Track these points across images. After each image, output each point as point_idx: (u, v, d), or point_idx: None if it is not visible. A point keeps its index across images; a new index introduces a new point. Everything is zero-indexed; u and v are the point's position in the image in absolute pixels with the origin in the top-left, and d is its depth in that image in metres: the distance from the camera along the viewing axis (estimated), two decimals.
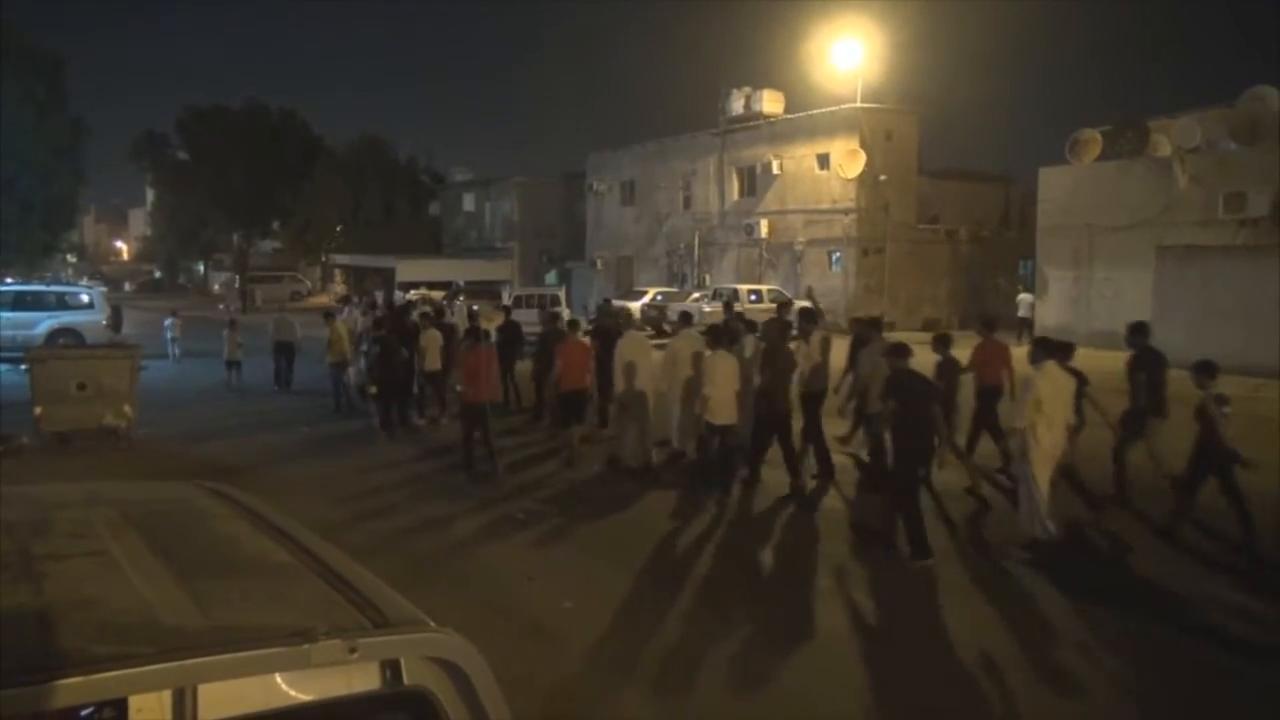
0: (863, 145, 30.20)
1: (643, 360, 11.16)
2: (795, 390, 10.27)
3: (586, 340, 12.58)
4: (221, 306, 28.40)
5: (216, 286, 58.91)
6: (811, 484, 10.07)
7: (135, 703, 1.61)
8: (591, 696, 5.59)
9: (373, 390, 13.68)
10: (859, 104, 30.82)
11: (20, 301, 21.94)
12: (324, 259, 54.68)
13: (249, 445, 12.92)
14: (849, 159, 30.23)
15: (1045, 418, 7.83)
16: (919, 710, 5.44)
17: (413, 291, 33.01)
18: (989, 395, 10.49)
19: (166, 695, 1.65)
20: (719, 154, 35.63)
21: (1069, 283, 25.89)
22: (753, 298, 27.83)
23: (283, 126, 58.55)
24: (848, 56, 31.86)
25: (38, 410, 11.87)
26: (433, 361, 13.80)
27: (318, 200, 52.36)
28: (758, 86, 34.62)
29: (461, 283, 37.08)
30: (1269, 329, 18.81)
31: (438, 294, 31.98)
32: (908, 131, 31.61)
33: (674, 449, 11.20)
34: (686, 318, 12.10)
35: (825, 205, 31.55)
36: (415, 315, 16.86)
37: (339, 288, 46.86)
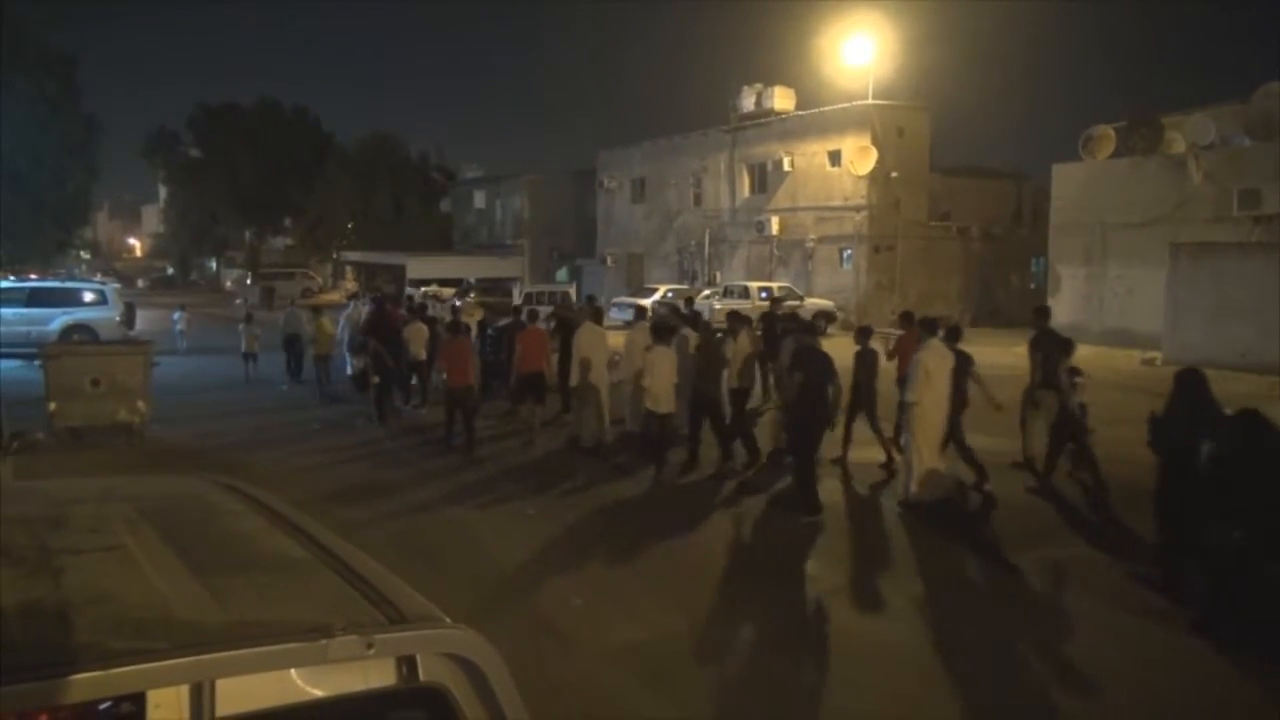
0: (874, 142, 30.10)
1: (598, 351, 12.16)
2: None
3: (543, 329, 13.73)
4: (239, 301, 29.11)
5: (229, 283, 59.16)
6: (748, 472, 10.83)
7: (153, 698, 1.61)
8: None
9: (375, 380, 14.30)
10: (870, 101, 30.72)
11: (35, 298, 22.07)
12: (335, 256, 54.87)
13: (260, 439, 13.08)
14: (860, 156, 30.14)
15: (931, 391, 8.88)
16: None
17: (424, 288, 33.08)
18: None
19: (184, 690, 1.65)
20: (730, 151, 35.58)
21: (1081, 280, 25.76)
22: (763, 295, 27.78)
23: (294, 124, 58.78)
24: (859, 53, 31.75)
25: (51, 406, 11.93)
26: (417, 352, 14.90)
27: (329, 197, 52.53)
28: (769, 83, 34.55)
29: (473, 280, 37.14)
30: None
31: (448, 291, 32.05)
32: (919, 128, 31.49)
33: (626, 430, 12.48)
34: (640, 312, 13.13)
35: (836, 202, 31.48)
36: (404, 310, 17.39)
37: (350, 284, 46.98)
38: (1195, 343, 20.07)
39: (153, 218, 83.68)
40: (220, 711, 1.67)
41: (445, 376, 12.55)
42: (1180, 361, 19.85)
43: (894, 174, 30.23)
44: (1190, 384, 7.25)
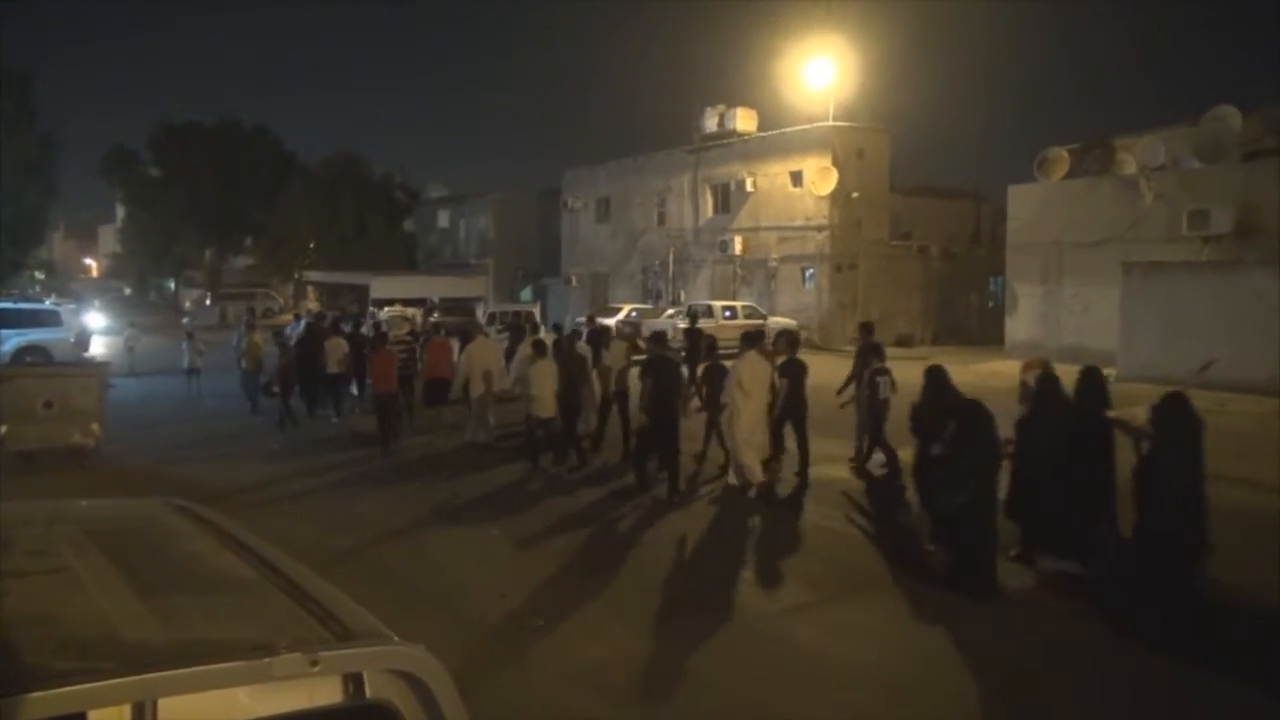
0: (835, 163, 30.47)
1: (489, 360, 13.85)
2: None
3: (446, 340, 15.47)
4: (185, 320, 29.56)
5: (187, 303, 58.39)
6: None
7: (95, 717, 1.61)
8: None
9: (275, 390, 15.94)
10: (831, 122, 31.12)
11: None
12: (297, 276, 54.34)
13: (214, 459, 13.01)
14: (821, 176, 30.50)
15: (745, 395, 10.21)
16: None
17: (387, 308, 32.86)
18: None
19: (126, 710, 1.65)
20: (693, 171, 35.83)
21: (1038, 298, 26.19)
22: (727, 314, 27.95)
23: (255, 143, 58.27)
24: (820, 75, 32.17)
25: (3, 429, 11.68)
26: (334, 365, 15.94)
27: (291, 217, 52.06)
28: (731, 104, 34.85)
29: (436, 299, 36.96)
30: (1233, 343, 19.12)
31: (413, 310, 31.85)
32: (879, 149, 31.94)
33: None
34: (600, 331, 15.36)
35: (799, 222, 31.79)
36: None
37: (312, 304, 46.56)
38: (1148, 360, 20.47)
39: (110, 237, 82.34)
40: None
41: (372, 384, 14.05)
42: (1135, 379, 20.35)
43: (855, 194, 30.61)
44: (936, 377, 8.58)
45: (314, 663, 1.70)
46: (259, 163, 56.12)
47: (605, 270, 40.00)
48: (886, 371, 10.71)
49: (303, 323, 20.08)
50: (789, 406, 10.99)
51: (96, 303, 39.47)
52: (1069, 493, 7.72)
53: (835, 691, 5.91)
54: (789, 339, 11.89)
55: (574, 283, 41.12)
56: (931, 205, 35.13)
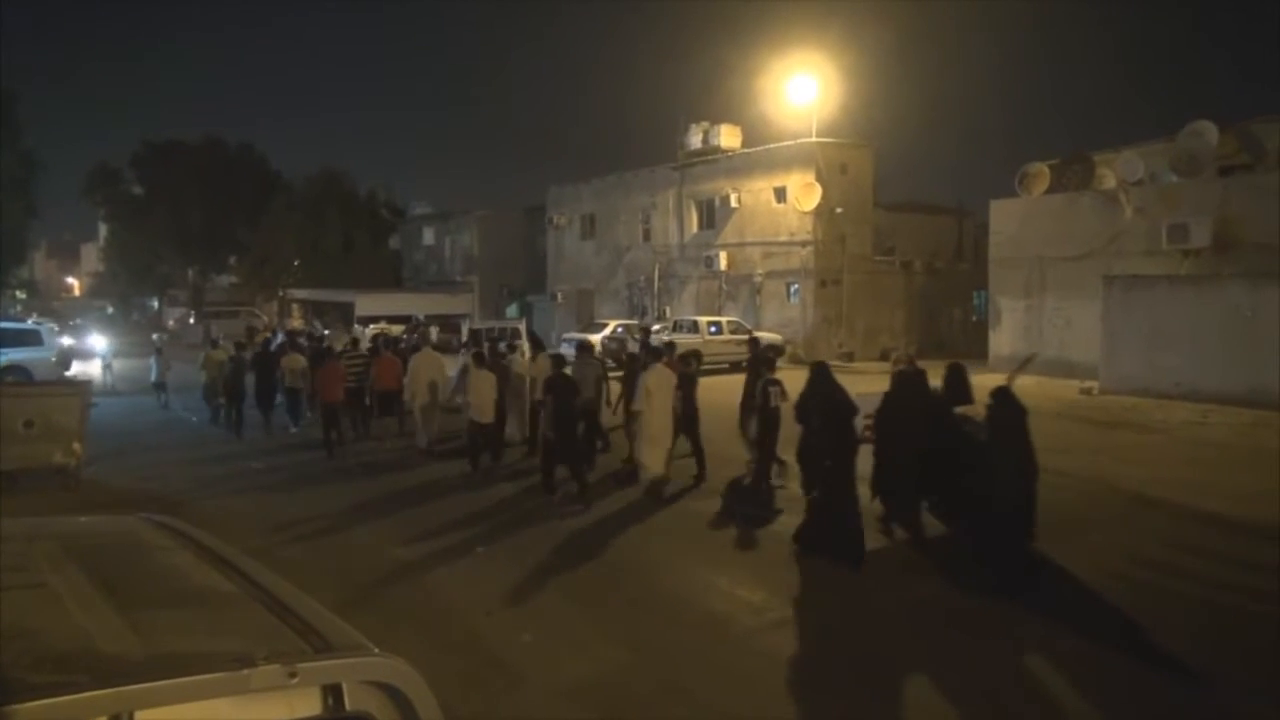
0: (819, 179, 30.66)
1: (433, 373, 14.86)
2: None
3: (394, 356, 16.37)
4: (155, 337, 30.72)
5: (171, 322, 58.06)
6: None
7: None
8: None
9: (221, 400, 17.32)
10: (814, 138, 31.33)
11: None
12: (281, 293, 54.14)
13: (196, 478, 12.97)
14: (805, 192, 30.67)
15: (651, 404, 11.29)
16: None
17: (372, 326, 32.78)
18: None
19: None
20: (678, 187, 35.97)
21: (1021, 312, 26.38)
22: (713, 329, 28.02)
23: (240, 161, 58.15)
24: (803, 92, 32.40)
25: None
26: (292, 380, 16.70)
27: (275, 234, 51.90)
28: (715, 121, 35.04)
29: (422, 316, 36.89)
30: (1213, 356, 19.32)
31: (397, 328, 31.78)
32: (863, 165, 32.16)
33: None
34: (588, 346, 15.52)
35: (783, 237, 31.94)
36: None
37: (296, 322, 46.37)
38: (1130, 372, 20.66)
39: (92, 256, 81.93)
40: None
41: (320, 395, 15.16)
42: (1117, 391, 20.52)
43: (839, 209, 30.79)
44: (819, 372, 9.46)
45: (292, 674, 1.70)
46: (243, 181, 55.99)
47: (591, 286, 40.05)
48: (777, 382, 11.46)
49: (279, 337, 20.92)
50: (684, 416, 12.04)
51: (91, 325, 40.14)
52: (922, 472, 9.02)
53: (810, 694, 5.92)
54: (761, 357, 12.61)
55: (560, 299, 41.14)
56: (915, 220, 35.36)
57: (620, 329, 29.68)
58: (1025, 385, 13.97)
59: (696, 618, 7.41)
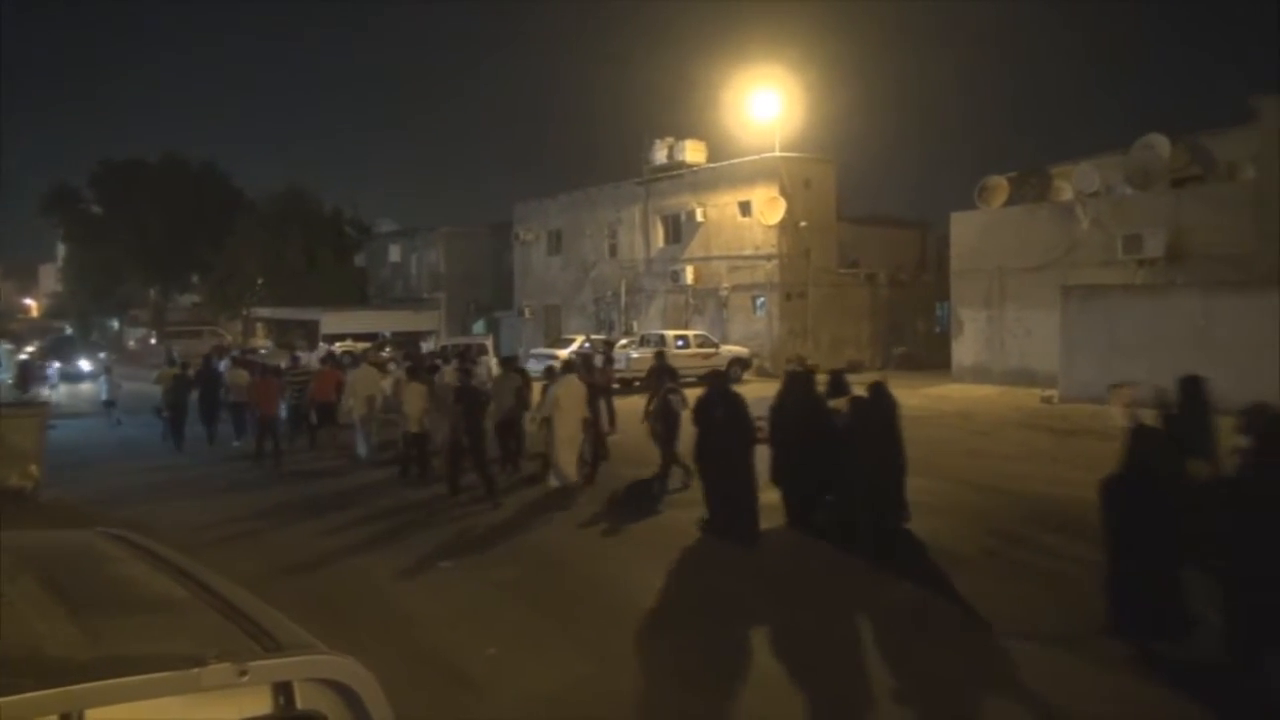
0: (782, 193, 30.93)
1: (370, 386, 15.69)
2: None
3: (334, 369, 17.76)
4: (101, 355, 31.60)
5: (132, 342, 57.24)
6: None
7: None
8: None
9: (165, 413, 18.31)
10: (778, 153, 31.63)
11: None
12: (245, 312, 53.59)
13: (156, 497, 13.03)
14: (769, 206, 30.93)
15: (562, 413, 12.14)
16: None
17: (338, 344, 32.56)
18: None
19: None
20: (644, 203, 36.13)
21: (983, 323, 26.73)
22: (679, 343, 28.12)
23: (201, 179, 57.57)
24: (766, 107, 32.71)
25: None
26: (236, 395, 17.44)
27: (239, 253, 51.38)
28: (680, 136, 35.25)
29: (388, 334, 36.66)
30: (1169, 363, 19.56)
31: (362, 345, 31.60)
32: (826, 179, 32.49)
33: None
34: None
35: (748, 251, 32.17)
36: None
37: (260, 341, 45.91)
38: (1089, 380, 20.96)
39: (51, 277, 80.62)
40: None
41: (257, 407, 15.98)
42: (1077, 399, 20.83)
43: (803, 223, 31.07)
44: (716, 383, 10.63)
45: (243, 672, 1.72)
46: (205, 199, 55.39)
47: (558, 302, 40.06)
48: (677, 390, 12.49)
49: (229, 357, 22.30)
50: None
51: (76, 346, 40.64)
52: (809, 463, 10.01)
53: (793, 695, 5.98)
54: (662, 368, 14.41)
55: (527, 315, 41.10)
56: (878, 233, 35.75)
57: (587, 344, 29.70)
58: (987, 395, 14.40)
59: (659, 625, 7.45)
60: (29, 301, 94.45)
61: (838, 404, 10.14)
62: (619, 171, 37.96)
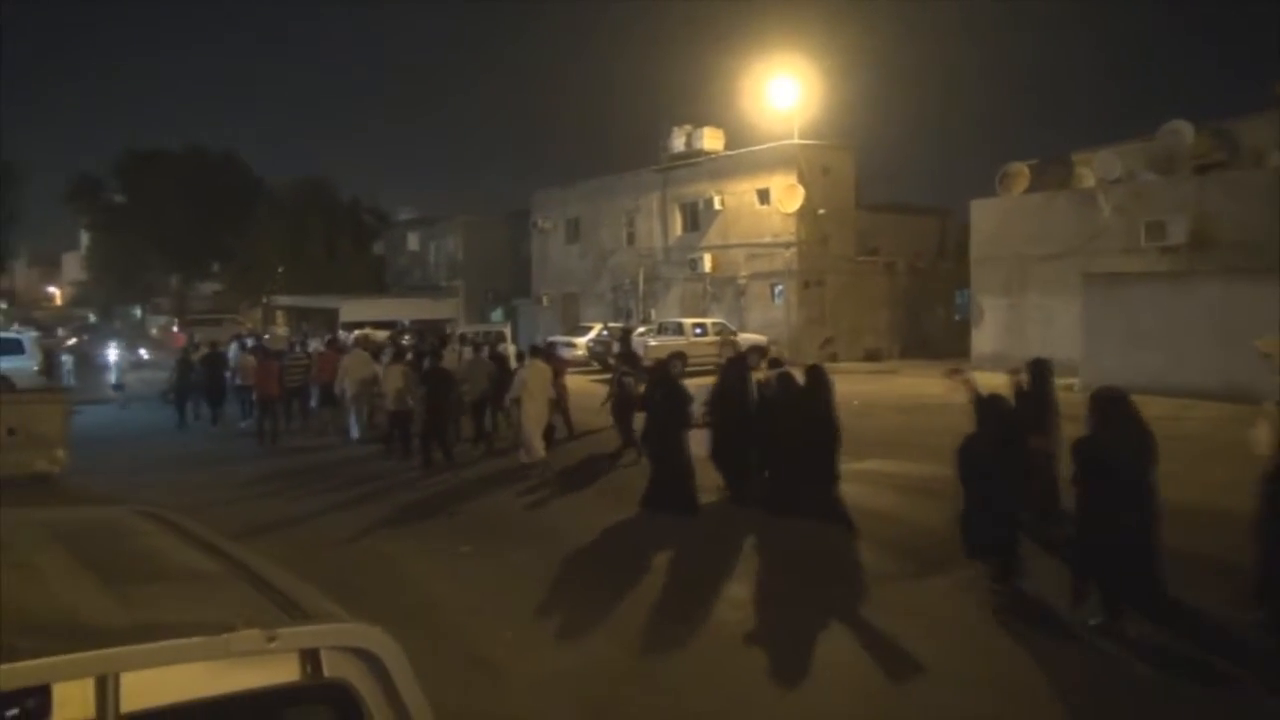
0: (801, 180, 30.81)
1: (361, 370, 16.56)
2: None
3: (334, 353, 18.55)
4: (113, 342, 32.82)
5: (154, 330, 57.78)
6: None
7: (59, 693, 1.66)
8: None
9: (171, 397, 19.58)
10: (797, 140, 31.50)
11: None
12: (265, 300, 54.00)
13: (179, 480, 13.25)
14: (788, 194, 30.82)
15: (529, 393, 13.06)
16: None
17: (356, 332, 32.75)
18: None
19: (89, 685, 1.69)
20: (661, 190, 36.08)
21: (1003, 310, 26.58)
22: (698, 331, 28.12)
23: (223, 168, 57.98)
24: (785, 94, 32.57)
25: None
26: (244, 379, 18.46)
27: (259, 242, 51.76)
28: (698, 124, 35.16)
29: (406, 322, 36.83)
30: (1190, 351, 19.53)
31: (381, 334, 31.79)
32: (845, 166, 32.35)
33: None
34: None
35: (766, 239, 32.09)
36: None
37: (280, 329, 46.25)
38: (1110, 368, 20.79)
39: (74, 265, 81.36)
40: (125, 707, 1.72)
41: (255, 388, 17.24)
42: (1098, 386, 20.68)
43: (821, 211, 30.95)
44: (662, 371, 12.01)
45: (271, 639, 1.77)
46: (227, 188, 55.81)
47: (576, 290, 40.12)
48: (631, 374, 13.52)
49: (234, 344, 22.76)
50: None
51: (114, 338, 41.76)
52: (746, 443, 10.93)
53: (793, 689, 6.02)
54: (623, 354, 16.04)
55: (545, 303, 41.19)
56: (897, 221, 35.58)
57: (605, 332, 29.76)
58: (1008, 383, 14.51)
59: (681, 611, 7.49)
60: (53, 290, 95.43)
61: (764, 377, 11.25)
62: (637, 159, 37.99)
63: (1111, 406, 6.87)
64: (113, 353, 30.49)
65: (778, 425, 10.43)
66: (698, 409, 11.17)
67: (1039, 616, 7.07)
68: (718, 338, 27.33)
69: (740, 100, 41.15)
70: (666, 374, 11.66)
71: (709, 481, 11.09)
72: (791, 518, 9.91)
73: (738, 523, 10.21)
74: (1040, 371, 9.69)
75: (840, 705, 5.84)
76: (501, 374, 15.37)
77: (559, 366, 15.39)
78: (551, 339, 30.17)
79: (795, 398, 10.47)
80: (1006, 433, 7.74)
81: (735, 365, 11.90)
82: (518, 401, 13.35)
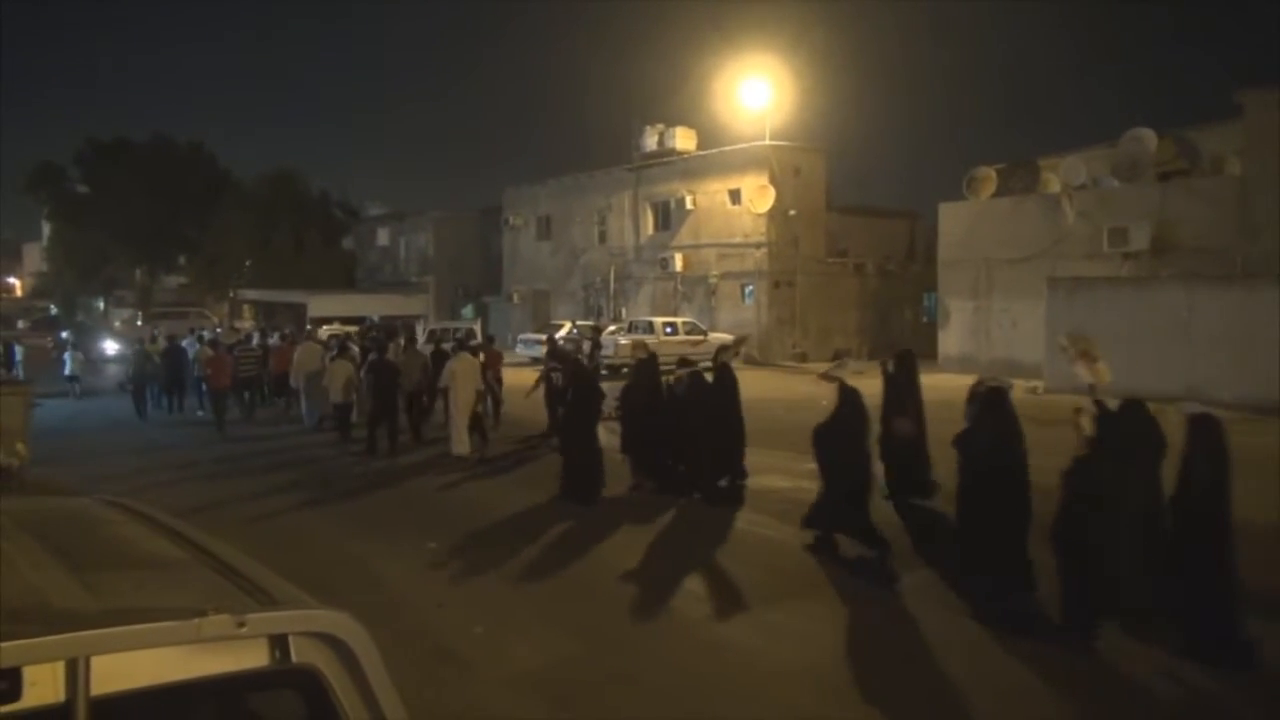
0: (772, 181, 31.00)
1: (313, 362, 17.56)
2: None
3: (288, 346, 19.71)
4: (64, 334, 32.30)
5: (117, 323, 56.94)
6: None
7: (29, 675, 1.67)
8: None
9: (129, 388, 20.43)
10: (768, 141, 31.68)
11: None
12: (232, 294, 53.37)
13: (142, 473, 13.19)
14: (759, 194, 30.99)
15: (458, 384, 13.96)
16: None
17: (325, 327, 32.48)
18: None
19: (60, 668, 1.71)
20: (634, 189, 36.14)
21: (970, 313, 26.90)
22: (668, 330, 28.21)
23: (189, 159, 57.15)
24: (756, 96, 32.75)
25: None
26: (202, 370, 18.99)
27: (226, 234, 51.11)
28: (670, 124, 35.27)
29: (376, 318, 36.58)
30: (1152, 355, 19.87)
31: (351, 329, 31.55)
32: (815, 168, 32.57)
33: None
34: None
35: (737, 239, 32.25)
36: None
37: (246, 323, 45.75)
38: (1072, 371, 21.15)
39: (35, 256, 79.94)
40: (95, 691, 1.73)
41: (209, 379, 18.04)
42: (1062, 390, 20.98)
43: (792, 212, 31.15)
44: (578, 367, 13.16)
45: (241, 624, 1.79)
46: (193, 179, 55.01)
47: (547, 288, 40.08)
48: (558, 368, 14.33)
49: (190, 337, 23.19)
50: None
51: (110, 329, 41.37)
52: (651, 434, 11.61)
53: (768, 687, 6.09)
54: (550, 350, 16.15)
55: (516, 300, 41.11)
56: (867, 223, 35.87)
57: (574, 330, 29.76)
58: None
59: (645, 607, 7.54)
60: (13, 280, 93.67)
61: (676, 376, 11.81)
62: (609, 158, 38.01)
63: (993, 400, 7.82)
64: (67, 345, 30.13)
65: (688, 422, 11.09)
66: (609, 404, 12.10)
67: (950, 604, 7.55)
68: (689, 336, 27.45)
69: (713, 101, 41.24)
70: (583, 371, 12.82)
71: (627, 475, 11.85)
72: (722, 508, 10.62)
73: (692, 517, 10.51)
74: (905, 362, 10.86)
75: (807, 700, 5.92)
76: (436, 366, 16.19)
77: (493, 360, 16.73)
78: (522, 336, 30.19)
79: (704, 396, 11.25)
80: (857, 422, 8.74)
81: (645, 365, 12.70)
82: (444, 392, 14.44)
